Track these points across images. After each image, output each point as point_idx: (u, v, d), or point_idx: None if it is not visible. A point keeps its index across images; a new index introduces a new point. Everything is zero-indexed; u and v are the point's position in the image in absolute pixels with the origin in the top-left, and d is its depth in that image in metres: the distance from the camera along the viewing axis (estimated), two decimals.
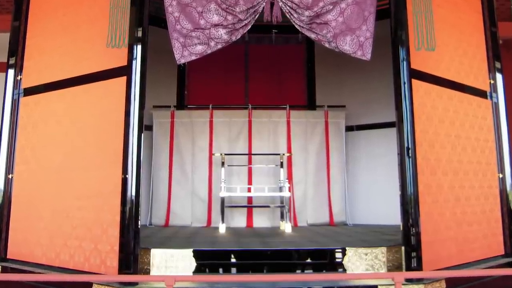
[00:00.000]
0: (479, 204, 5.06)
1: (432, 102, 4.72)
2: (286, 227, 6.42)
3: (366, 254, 4.43)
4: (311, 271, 4.58)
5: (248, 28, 4.68)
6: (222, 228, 6.41)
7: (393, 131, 4.68)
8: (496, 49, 5.61)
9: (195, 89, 8.23)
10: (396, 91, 4.51)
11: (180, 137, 7.72)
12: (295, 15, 4.63)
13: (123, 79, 4.36)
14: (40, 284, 4.34)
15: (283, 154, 7.32)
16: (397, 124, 4.47)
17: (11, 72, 5.29)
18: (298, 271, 4.55)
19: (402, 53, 4.52)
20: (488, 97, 5.45)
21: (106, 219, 4.23)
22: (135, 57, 4.34)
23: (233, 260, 4.57)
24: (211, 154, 7.56)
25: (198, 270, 4.30)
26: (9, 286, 3.87)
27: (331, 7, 4.62)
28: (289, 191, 6.78)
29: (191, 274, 4.27)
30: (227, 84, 8.22)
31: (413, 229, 4.26)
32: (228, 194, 6.77)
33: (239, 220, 7.42)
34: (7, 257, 4.92)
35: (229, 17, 4.59)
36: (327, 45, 4.67)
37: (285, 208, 6.67)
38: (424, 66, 4.69)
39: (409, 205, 4.29)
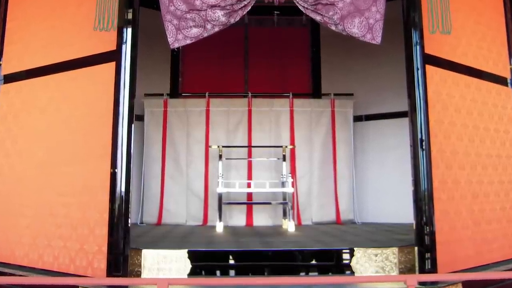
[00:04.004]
0: (499, 200, 5.04)
1: (447, 90, 4.68)
2: (289, 225, 6.42)
3: (376, 255, 4.42)
4: (316, 273, 4.56)
5: (248, 9, 4.62)
6: (219, 227, 6.39)
7: (405, 121, 4.65)
8: None
9: (190, 75, 8.19)
10: (409, 78, 4.48)
11: (174, 128, 7.69)
12: None
13: (112, 64, 4.33)
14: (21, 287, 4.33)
15: (286, 147, 7.30)
16: (410, 113, 4.45)
17: None
18: (302, 273, 4.53)
19: (415, 37, 4.48)
20: (509, 84, 5.43)
21: (93, 217, 4.21)
22: (125, 41, 4.31)
23: (231, 261, 4.56)
24: (207, 147, 7.54)
25: (193, 272, 4.29)
26: None
27: None
28: (292, 186, 6.78)
29: (186, 277, 4.25)
30: (225, 70, 8.18)
31: (427, 228, 4.24)
32: (226, 190, 6.75)
33: (238, 218, 7.42)
34: None
35: None
36: (333, 28, 4.61)
37: (288, 205, 6.67)
38: (439, 50, 4.66)
39: (423, 202, 4.27)
